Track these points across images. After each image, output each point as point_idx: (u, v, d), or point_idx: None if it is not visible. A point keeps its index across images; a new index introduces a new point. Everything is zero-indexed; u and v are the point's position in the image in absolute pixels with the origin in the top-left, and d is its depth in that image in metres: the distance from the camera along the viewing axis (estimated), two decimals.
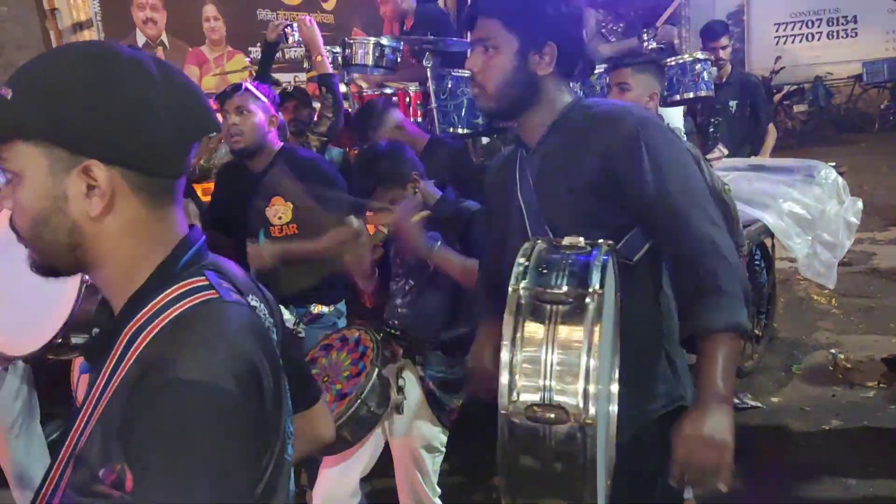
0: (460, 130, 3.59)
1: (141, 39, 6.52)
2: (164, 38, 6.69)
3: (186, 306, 0.89)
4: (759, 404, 3.77)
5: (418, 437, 2.35)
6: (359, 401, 2.15)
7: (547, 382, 1.15)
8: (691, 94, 3.62)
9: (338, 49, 3.64)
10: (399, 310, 2.44)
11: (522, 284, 1.22)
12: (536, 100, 1.59)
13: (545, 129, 1.60)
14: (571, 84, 1.68)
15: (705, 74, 3.60)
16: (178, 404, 0.80)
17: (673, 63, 3.57)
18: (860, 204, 4.13)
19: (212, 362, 0.83)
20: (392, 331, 2.41)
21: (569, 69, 1.62)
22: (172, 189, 0.96)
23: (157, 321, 0.88)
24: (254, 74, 4.87)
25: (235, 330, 0.89)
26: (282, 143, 2.88)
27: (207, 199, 3.88)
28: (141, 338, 0.88)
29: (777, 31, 12.24)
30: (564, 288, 1.20)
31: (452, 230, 2.32)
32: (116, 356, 0.89)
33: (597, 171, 1.50)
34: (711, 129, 4.70)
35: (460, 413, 2.38)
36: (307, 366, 1.37)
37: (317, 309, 2.80)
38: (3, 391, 2.56)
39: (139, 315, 0.90)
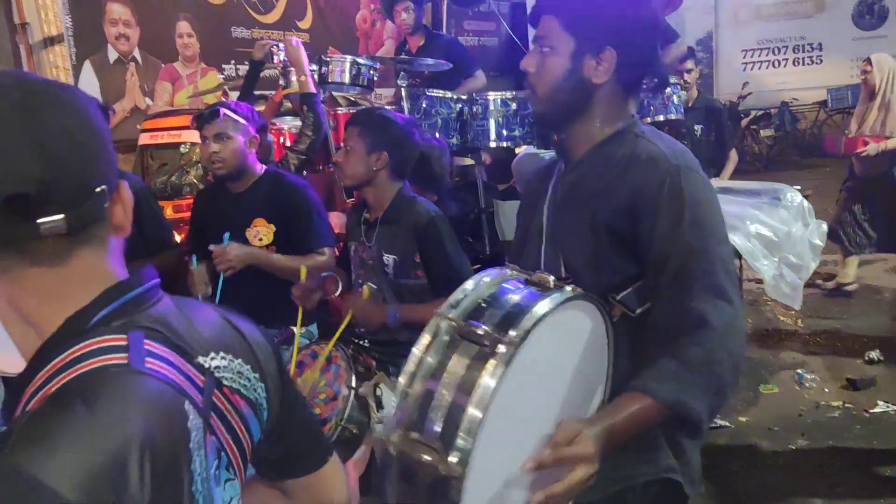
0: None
1: (113, 55, 6.49)
2: (136, 53, 6.66)
3: (78, 372, 0.77)
4: (727, 423, 3.81)
5: None
6: (340, 426, 2.16)
7: (432, 424, 1.09)
8: (661, 117, 3.68)
9: (314, 66, 3.65)
10: (365, 328, 2.44)
11: (451, 314, 1.16)
12: (587, 111, 1.46)
13: (588, 148, 1.48)
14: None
15: (675, 98, 3.67)
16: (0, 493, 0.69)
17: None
18: (825, 227, 4.22)
19: (60, 458, 0.69)
20: (360, 342, 2.41)
21: (630, 82, 1.47)
22: (53, 247, 0.80)
23: (49, 386, 0.77)
24: (227, 92, 4.88)
25: (121, 411, 0.74)
26: (265, 166, 2.88)
27: (179, 215, 3.86)
28: (31, 403, 0.77)
29: (744, 57, 12.52)
30: (486, 328, 1.12)
31: (409, 235, 2.35)
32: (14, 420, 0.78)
33: (621, 211, 1.39)
34: None
35: None
36: (314, 426, 1.18)
37: (288, 331, 2.79)
38: None
39: (39, 375, 0.79)
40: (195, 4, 7.03)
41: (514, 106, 3.50)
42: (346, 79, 3.65)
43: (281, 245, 2.78)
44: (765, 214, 3.92)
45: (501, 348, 1.09)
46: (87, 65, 6.30)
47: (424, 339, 1.15)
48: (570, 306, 1.20)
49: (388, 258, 2.39)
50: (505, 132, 3.52)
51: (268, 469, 1.04)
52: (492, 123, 3.52)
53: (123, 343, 0.80)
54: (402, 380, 1.13)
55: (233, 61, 7.33)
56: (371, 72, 3.73)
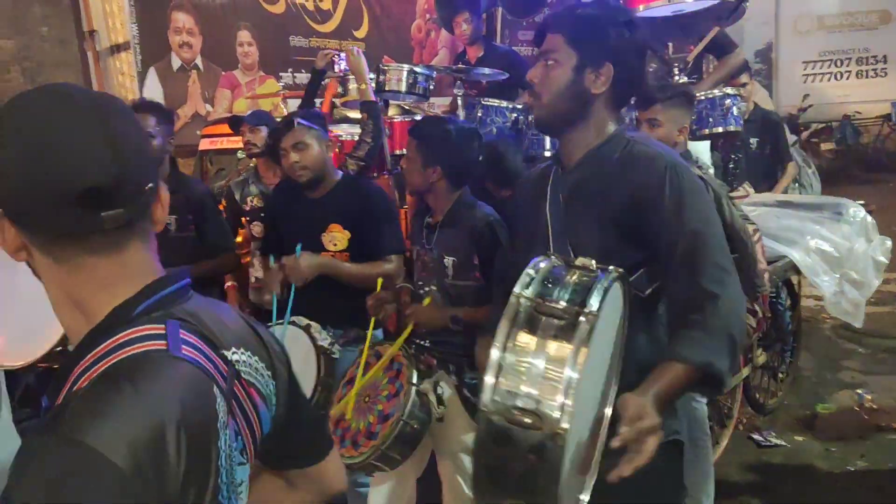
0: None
1: (176, 62, 6.68)
2: (198, 61, 6.84)
3: (125, 355, 0.85)
4: (783, 442, 3.72)
5: (459, 443, 2.41)
6: (402, 421, 2.22)
7: (529, 390, 1.20)
8: (720, 129, 3.61)
9: (372, 75, 3.70)
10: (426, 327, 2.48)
11: (525, 293, 1.28)
12: (585, 118, 1.65)
13: (585, 152, 1.66)
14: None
15: (735, 109, 3.60)
16: (57, 463, 0.77)
17: (703, 97, 3.58)
18: (889, 243, 4.09)
19: (110, 429, 0.78)
20: (422, 341, 2.45)
21: (622, 96, 1.69)
22: (110, 238, 0.89)
23: (97, 367, 0.85)
24: (285, 99, 4.97)
25: (161, 390, 0.83)
26: (341, 172, 2.94)
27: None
28: (80, 382, 0.85)
29: (805, 69, 12.24)
30: (562, 304, 1.26)
31: (468, 238, 2.40)
32: (62, 397, 0.87)
33: (625, 206, 1.58)
34: (731, 166, 4.69)
35: None
36: (317, 421, 1.30)
37: (353, 332, 2.84)
38: None
39: (87, 358, 0.87)
40: (256, 14, 7.19)
41: None
42: (403, 87, 3.68)
43: (354, 251, 2.82)
44: (826, 229, 3.83)
45: (582, 320, 1.22)
46: (151, 71, 6.50)
47: (508, 316, 1.25)
48: (617, 285, 1.35)
49: (448, 260, 2.44)
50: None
51: (273, 459, 1.12)
52: None
53: (162, 332, 0.88)
54: (493, 354, 1.22)
55: (290, 69, 7.47)
56: (427, 81, 3.76)
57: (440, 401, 2.29)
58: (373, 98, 3.34)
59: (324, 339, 2.61)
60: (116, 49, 6.33)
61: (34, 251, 0.90)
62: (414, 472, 2.55)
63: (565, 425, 1.17)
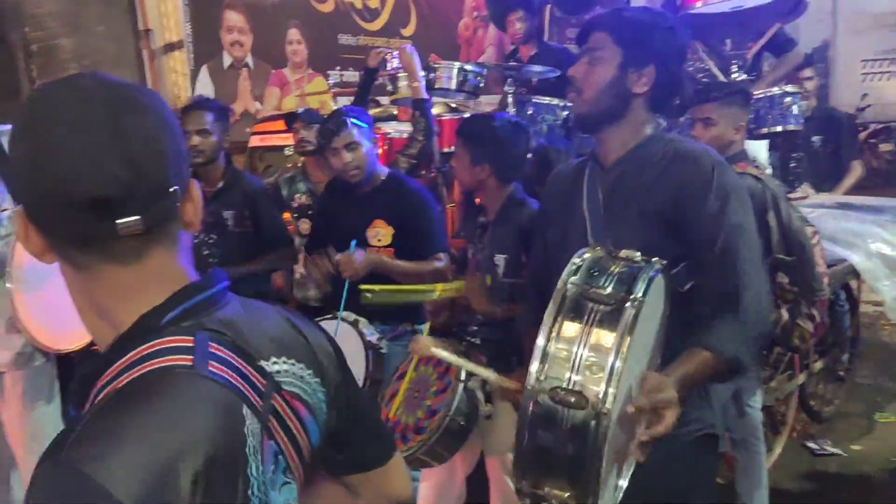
0: None
1: (227, 60, 6.77)
2: (248, 59, 6.92)
3: (145, 370, 0.79)
4: (840, 451, 3.62)
5: (506, 442, 2.38)
6: (448, 417, 2.23)
7: (574, 376, 1.23)
8: (779, 128, 3.52)
9: (422, 72, 3.69)
10: (477, 317, 2.49)
11: (572, 280, 1.31)
12: (624, 116, 1.69)
13: (624, 151, 1.70)
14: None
15: (795, 108, 3.50)
16: (55, 493, 0.71)
17: (761, 95, 3.49)
18: None
19: (116, 459, 0.71)
20: (472, 339, 2.46)
21: (661, 99, 1.73)
22: (130, 245, 0.82)
23: (118, 380, 0.79)
24: (335, 97, 5.00)
25: (179, 414, 0.76)
26: (388, 169, 2.97)
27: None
28: (101, 396, 0.80)
29: (864, 67, 11.87)
30: (608, 290, 1.29)
31: (518, 236, 2.39)
32: (86, 408, 0.81)
33: (669, 202, 1.62)
34: (793, 165, 4.56)
35: None
36: (379, 422, 1.24)
37: (400, 327, 2.85)
38: (43, 378, 2.69)
39: (112, 368, 0.81)
40: (305, 12, 7.25)
41: None
42: (453, 85, 3.68)
43: (398, 247, 2.85)
44: (888, 232, 3.71)
45: (628, 306, 1.26)
46: (203, 70, 6.59)
47: (555, 301, 1.29)
48: (660, 276, 1.38)
49: (499, 258, 2.44)
50: None
51: (332, 466, 1.05)
52: None
53: (190, 344, 0.81)
54: (540, 340, 1.25)
55: (338, 67, 7.51)
56: (478, 78, 3.75)
57: (488, 398, 2.29)
58: (425, 96, 3.34)
59: (371, 334, 2.63)
60: (170, 48, 6.43)
61: (55, 256, 0.84)
62: (463, 469, 2.56)
63: (609, 405, 1.19)
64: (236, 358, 0.84)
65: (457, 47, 8.65)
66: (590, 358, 1.23)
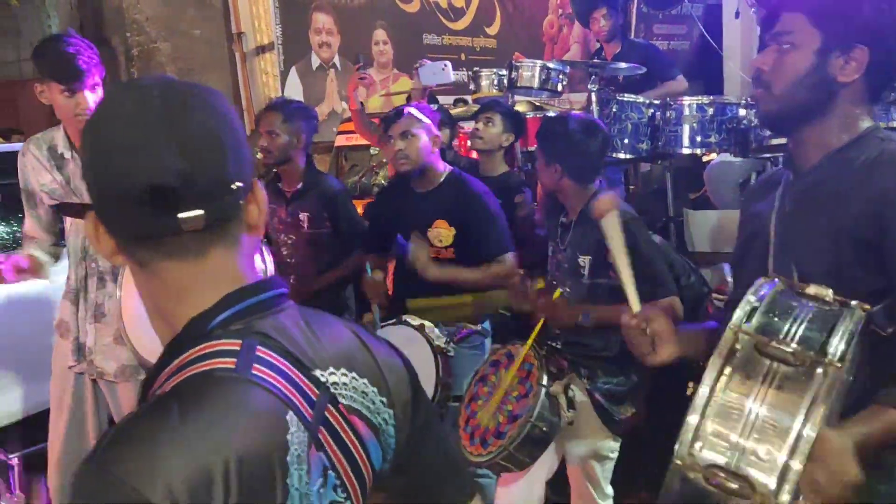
0: (623, 156, 3.54)
1: (315, 62, 6.93)
2: (336, 60, 7.06)
3: (189, 374, 0.79)
4: None
5: (588, 447, 2.39)
6: (530, 423, 2.19)
7: (741, 443, 0.99)
8: None
9: (504, 71, 3.69)
10: (559, 329, 2.44)
11: (745, 327, 1.07)
12: (827, 112, 1.40)
13: (824, 153, 1.41)
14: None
15: None
16: (88, 491, 0.71)
17: None
18: None
19: (147, 460, 0.71)
20: (554, 343, 2.42)
21: (877, 86, 1.43)
22: (190, 242, 0.81)
23: (166, 384, 0.80)
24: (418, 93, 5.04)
25: (215, 418, 0.75)
26: (450, 168, 2.95)
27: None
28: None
29: None
30: (794, 346, 1.04)
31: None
32: None
33: (867, 218, 1.32)
34: None
35: (634, 421, 2.38)
36: (454, 459, 1.10)
37: (466, 327, 2.84)
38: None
39: (163, 373, 0.82)
40: (391, 13, 7.35)
41: (710, 111, 3.34)
42: (535, 83, 3.67)
43: (459, 248, 2.83)
44: None
45: (820, 371, 1.00)
46: (292, 71, 6.77)
47: (721, 352, 1.06)
48: (861, 328, 1.11)
49: (584, 260, 2.38)
50: (699, 138, 3.36)
51: (396, 498, 1.00)
52: (685, 129, 3.37)
53: (236, 348, 0.80)
54: (701, 394, 1.03)
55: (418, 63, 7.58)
56: (560, 77, 3.72)
57: (570, 404, 2.25)
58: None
59: (438, 338, 2.62)
60: (261, 50, 6.63)
61: (123, 256, 0.84)
62: (543, 474, 2.53)
63: (786, 497, 0.96)
64: (286, 364, 0.82)
65: (541, 45, 8.59)
66: (765, 426, 0.99)
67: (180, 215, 0.78)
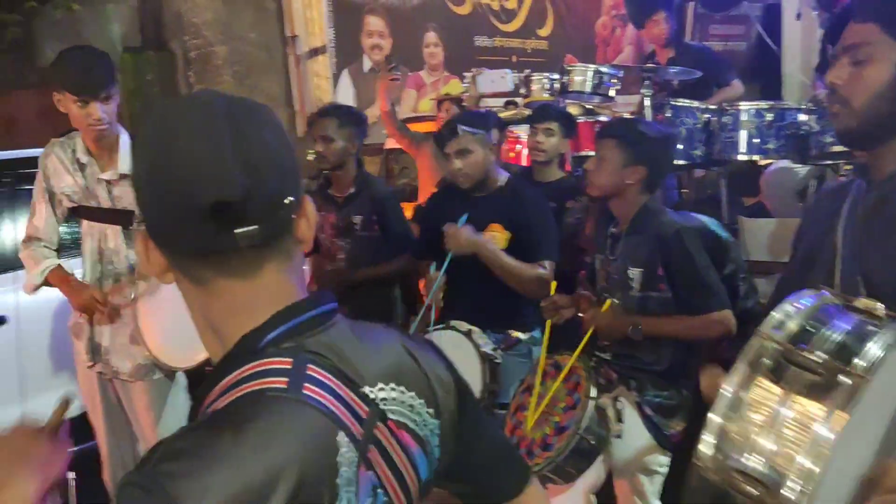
0: (676, 161, 3.48)
1: (367, 64, 6.98)
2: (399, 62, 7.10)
3: (241, 393, 0.78)
4: None
5: (636, 461, 2.34)
6: (578, 435, 2.16)
7: (762, 445, 0.99)
8: None
9: (555, 76, 3.66)
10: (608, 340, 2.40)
11: (775, 335, 1.05)
12: None
13: None
14: None
15: None
16: (135, 502, 0.71)
17: None
18: None
19: (197, 479, 0.71)
20: (602, 354, 2.38)
21: None
22: (245, 258, 0.81)
23: (217, 402, 0.80)
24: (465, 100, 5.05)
25: (266, 440, 0.75)
26: (507, 174, 2.93)
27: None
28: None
29: None
30: (822, 355, 1.01)
31: (653, 248, 2.30)
32: None
33: None
34: None
35: (684, 436, 2.32)
36: (509, 449, 1.14)
37: (514, 335, 2.82)
38: (166, 391, 2.77)
39: (214, 390, 0.82)
40: (443, 15, 7.36)
41: (769, 117, 3.26)
42: (587, 88, 3.63)
43: (513, 252, 2.80)
44: None
45: (844, 380, 0.97)
46: (344, 73, 6.83)
47: (746, 358, 1.05)
48: None
49: (634, 272, 2.34)
50: (757, 145, 3.29)
51: (463, 499, 1.01)
52: (742, 135, 3.31)
53: (287, 367, 0.80)
54: (723, 395, 1.03)
55: (473, 69, 7.54)
56: (613, 81, 3.67)
57: (619, 417, 2.21)
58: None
59: (486, 344, 2.61)
60: (314, 52, 6.71)
61: (176, 273, 0.85)
62: (590, 487, 2.49)
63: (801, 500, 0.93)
64: (337, 382, 0.82)
65: (594, 47, 8.51)
66: (783, 436, 0.98)
67: (237, 230, 0.78)
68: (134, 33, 6.71)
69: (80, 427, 3.31)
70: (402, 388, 0.89)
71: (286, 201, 0.82)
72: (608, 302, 2.36)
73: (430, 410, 0.91)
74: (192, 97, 0.86)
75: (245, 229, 0.78)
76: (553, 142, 3.25)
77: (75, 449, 3.26)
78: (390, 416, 0.86)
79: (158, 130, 0.82)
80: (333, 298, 0.90)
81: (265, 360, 0.80)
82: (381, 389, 0.86)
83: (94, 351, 2.69)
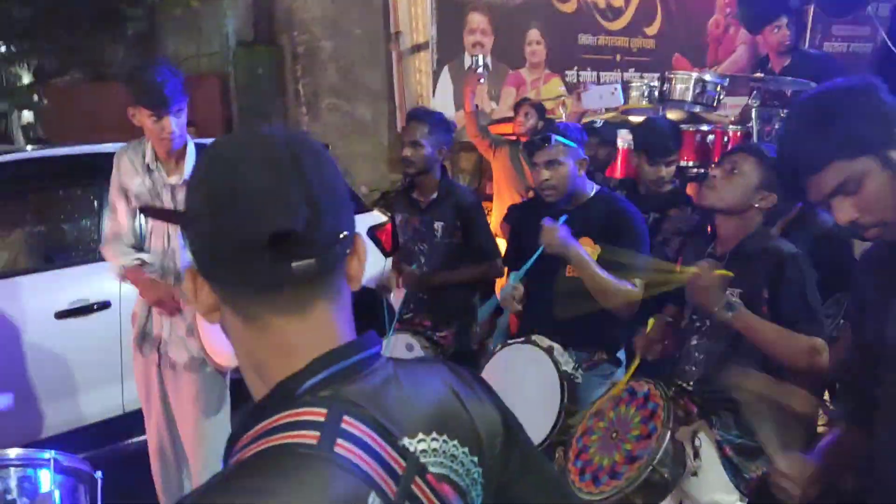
0: None
1: (468, 61, 6.97)
2: (487, 60, 7.07)
3: (270, 444, 0.76)
4: None
5: (710, 503, 2.20)
6: (650, 467, 2.04)
7: None
8: None
9: (655, 83, 3.54)
10: (693, 366, 2.29)
11: None
12: None
13: None
14: None
15: None
16: None
17: None
18: None
19: None
20: (684, 384, 2.27)
21: None
22: (298, 294, 0.81)
23: (247, 450, 0.78)
24: (566, 104, 4.96)
25: (291, 499, 0.72)
26: (597, 187, 2.85)
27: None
28: (232, 463, 0.79)
29: None
30: None
31: (761, 271, 2.16)
32: None
33: None
34: None
35: (761, 480, 2.17)
36: (556, 485, 1.10)
37: (596, 356, 2.74)
38: (214, 386, 2.86)
39: (246, 435, 0.80)
40: (547, 13, 7.26)
41: None
42: (689, 97, 3.50)
43: (604, 266, 2.70)
44: None
45: None
46: (444, 70, 6.86)
47: None
48: None
49: (733, 292, 2.17)
50: None
51: None
52: None
53: (321, 419, 0.77)
54: None
55: (576, 67, 7.44)
56: (717, 89, 3.52)
57: (697, 453, 2.10)
58: None
59: (566, 362, 2.53)
60: (416, 48, 6.77)
61: (226, 310, 0.83)
62: None
63: None
64: (373, 435, 0.79)
65: (704, 46, 8.19)
66: None
67: (294, 264, 0.77)
68: (247, 28, 6.96)
69: (104, 430, 3.43)
70: (445, 437, 0.85)
71: (341, 236, 0.81)
72: (652, 320, 2.26)
73: (474, 459, 0.88)
74: (250, 131, 0.86)
75: (303, 262, 0.77)
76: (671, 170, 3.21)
77: (102, 450, 3.38)
78: (430, 468, 0.83)
79: (220, 162, 0.82)
80: (378, 341, 0.88)
81: (300, 409, 0.78)
82: (422, 441, 0.83)
83: (143, 338, 2.84)
